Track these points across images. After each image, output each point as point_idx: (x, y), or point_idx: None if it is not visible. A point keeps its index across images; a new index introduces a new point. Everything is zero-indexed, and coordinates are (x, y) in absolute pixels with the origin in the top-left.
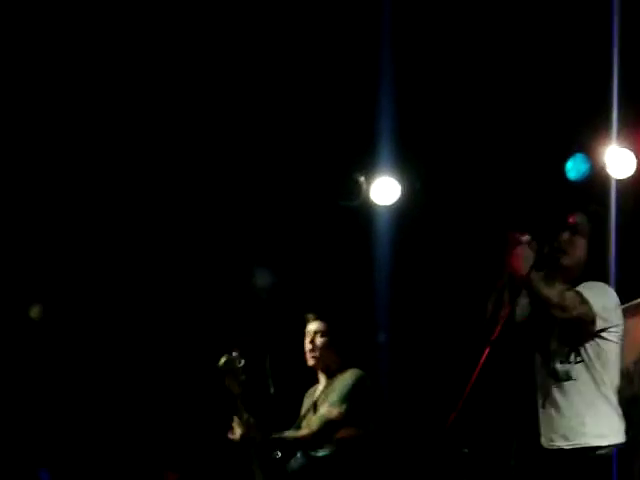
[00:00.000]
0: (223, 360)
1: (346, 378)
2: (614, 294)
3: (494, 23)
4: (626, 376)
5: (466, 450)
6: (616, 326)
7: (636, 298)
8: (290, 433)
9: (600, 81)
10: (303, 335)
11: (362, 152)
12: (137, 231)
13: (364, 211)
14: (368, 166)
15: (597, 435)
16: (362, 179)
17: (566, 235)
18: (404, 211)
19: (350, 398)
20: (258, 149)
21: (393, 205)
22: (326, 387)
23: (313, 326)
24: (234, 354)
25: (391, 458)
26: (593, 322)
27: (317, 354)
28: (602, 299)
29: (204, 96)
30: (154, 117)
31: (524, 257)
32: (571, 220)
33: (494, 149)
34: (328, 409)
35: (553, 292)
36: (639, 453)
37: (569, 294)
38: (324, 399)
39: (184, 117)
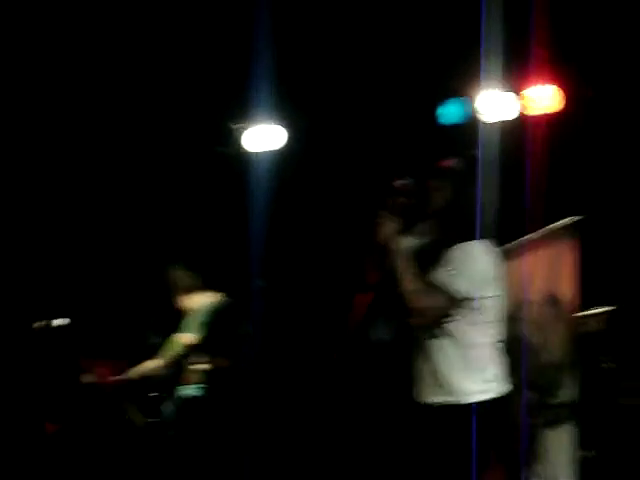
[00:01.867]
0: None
1: (200, 304)
2: (489, 253)
3: None
4: (508, 318)
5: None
6: (493, 289)
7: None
8: (146, 366)
9: (474, 26)
10: None
11: (237, 99)
12: None
13: (240, 158)
14: (244, 113)
15: (467, 392)
16: (237, 126)
17: (433, 182)
18: (281, 158)
19: (205, 323)
20: (133, 98)
21: (270, 152)
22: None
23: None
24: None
25: (265, 399)
26: (456, 306)
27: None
28: (473, 273)
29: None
30: None
31: (389, 228)
32: (443, 165)
33: (369, 98)
34: (179, 335)
35: (411, 287)
36: (516, 396)
37: (427, 299)
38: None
39: None
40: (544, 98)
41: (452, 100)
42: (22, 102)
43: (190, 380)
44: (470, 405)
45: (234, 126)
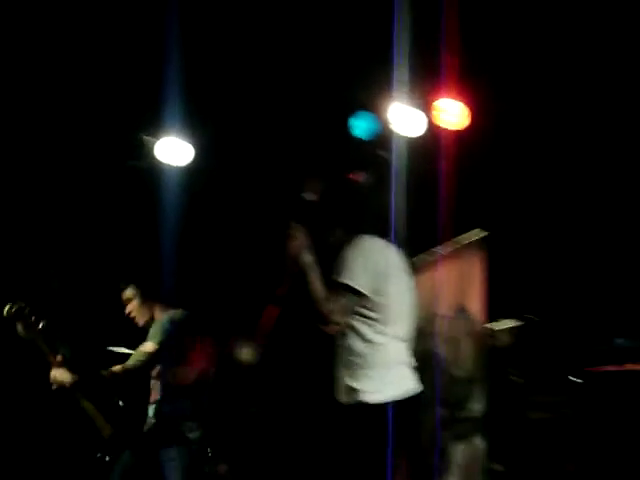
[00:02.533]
0: (8, 308)
1: (160, 319)
2: (383, 248)
3: None
4: (418, 332)
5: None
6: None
7: (423, 253)
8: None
9: (386, 39)
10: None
11: (147, 112)
12: None
13: (152, 172)
14: (156, 126)
15: (367, 391)
16: (149, 139)
17: (342, 193)
18: (193, 172)
19: (163, 332)
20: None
21: (183, 166)
22: None
23: (125, 294)
24: (20, 304)
25: None
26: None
27: (137, 315)
28: (366, 267)
29: None
30: None
31: (298, 240)
32: (352, 177)
33: (281, 110)
34: (143, 344)
35: (319, 296)
36: (429, 408)
37: (335, 306)
38: None
39: None
40: (453, 112)
41: (363, 113)
42: None
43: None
44: (366, 404)
45: (145, 138)
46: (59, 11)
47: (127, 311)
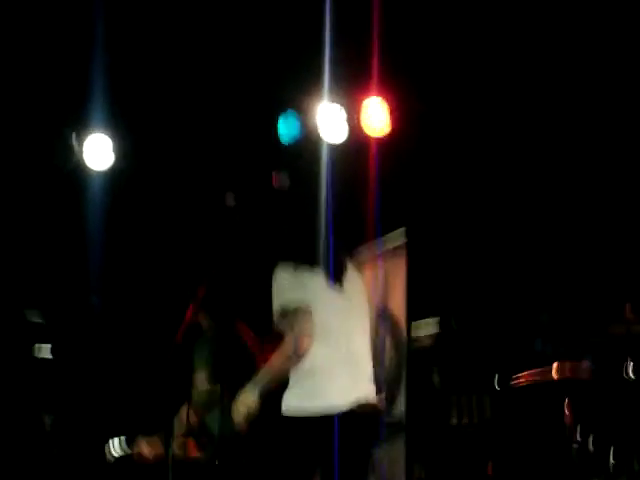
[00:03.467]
0: None
1: None
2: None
3: None
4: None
5: None
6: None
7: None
8: None
9: (313, 39)
10: None
11: (75, 112)
12: None
13: (78, 173)
14: (81, 126)
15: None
16: (74, 140)
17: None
18: (118, 172)
19: None
20: None
21: (107, 168)
22: None
23: None
24: None
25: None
26: None
27: None
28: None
29: None
30: None
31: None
32: (274, 182)
33: (203, 108)
34: None
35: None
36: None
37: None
38: None
39: None
40: (378, 116)
41: (288, 114)
42: None
43: None
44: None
45: (71, 139)
46: None
47: None
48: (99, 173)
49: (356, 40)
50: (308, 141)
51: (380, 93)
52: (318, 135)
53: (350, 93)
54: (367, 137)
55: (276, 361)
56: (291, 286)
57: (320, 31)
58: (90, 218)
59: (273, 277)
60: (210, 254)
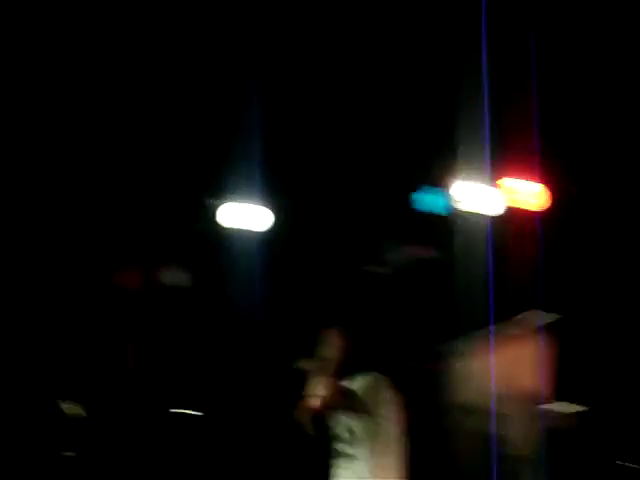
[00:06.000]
0: None
1: None
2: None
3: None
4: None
5: None
6: None
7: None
8: None
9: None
10: None
11: (216, 176)
12: None
13: (219, 235)
14: (224, 190)
15: None
16: (214, 202)
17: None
18: (264, 238)
19: None
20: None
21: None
22: None
23: None
24: None
25: None
26: None
27: None
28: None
29: None
30: None
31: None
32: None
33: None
34: None
35: None
36: None
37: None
38: None
39: None
40: (529, 194)
41: (431, 189)
42: None
43: None
44: None
45: (211, 202)
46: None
47: None
48: (245, 235)
49: (510, 116)
50: (455, 215)
51: (532, 173)
52: (464, 211)
53: (502, 171)
54: (518, 215)
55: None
56: None
57: (478, 112)
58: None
59: None
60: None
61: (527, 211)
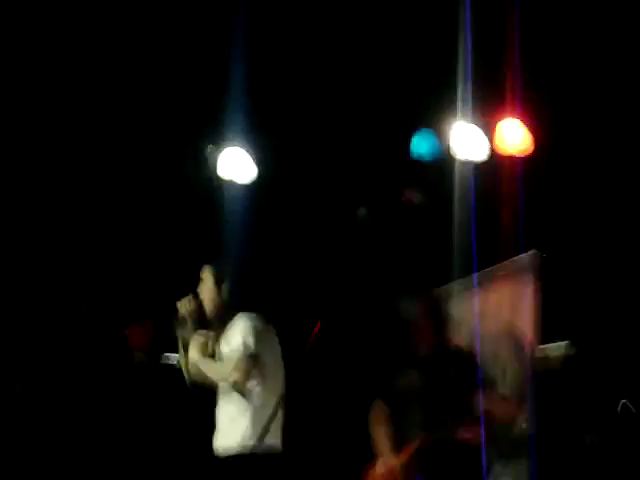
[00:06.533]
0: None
1: None
2: None
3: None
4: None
5: None
6: None
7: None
8: None
9: (450, 57)
10: None
11: (212, 123)
12: None
13: (212, 183)
14: (216, 137)
15: None
16: (210, 149)
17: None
18: (253, 186)
19: None
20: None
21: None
22: None
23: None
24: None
25: None
26: None
27: None
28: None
29: None
30: None
31: None
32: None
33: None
34: None
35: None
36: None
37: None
38: None
39: None
40: (517, 136)
41: (425, 131)
42: None
43: None
44: None
45: (207, 149)
46: (123, 17)
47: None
48: (234, 185)
49: (493, 58)
50: (442, 159)
51: (517, 114)
52: (452, 153)
53: (486, 113)
54: (501, 157)
55: None
56: None
57: (457, 48)
58: (226, 232)
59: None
60: (340, 269)
61: (513, 155)
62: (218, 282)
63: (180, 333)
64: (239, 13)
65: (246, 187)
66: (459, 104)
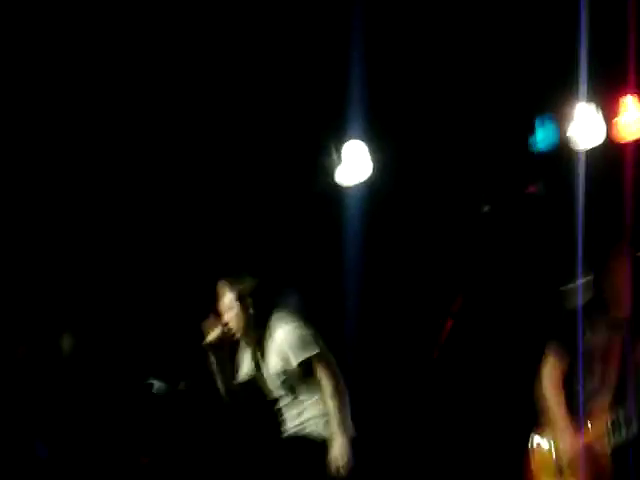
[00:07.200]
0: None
1: None
2: None
3: None
4: None
5: None
6: None
7: None
8: None
9: (568, 47)
10: None
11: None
12: None
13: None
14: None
15: None
16: (330, 159)
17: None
18: (370, 189)
19: None
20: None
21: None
22: None
23: None
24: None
25: None
26: None
27: None
28: None
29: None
30: None
31: None
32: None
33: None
34: None
35: None
36: None
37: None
38: None
39: None
40: (634, 114)
41: (545, 121)
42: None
43: None
44: None
45: (326, 159)
46: (235, 27)
47: None
48: (356, 185)
49: (612, 40)
50: (564, 147)
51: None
52: (574, 141)
53: (607, 93)
54: (624, 139)
55: None
56: None
57: (576, 35)
58: (346, 230)
59: None
60: (465, 264)
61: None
62: (241, 297)
63: (214, 358)
64: (358, 13)
65: (364, 185)
66: (580, 86)
